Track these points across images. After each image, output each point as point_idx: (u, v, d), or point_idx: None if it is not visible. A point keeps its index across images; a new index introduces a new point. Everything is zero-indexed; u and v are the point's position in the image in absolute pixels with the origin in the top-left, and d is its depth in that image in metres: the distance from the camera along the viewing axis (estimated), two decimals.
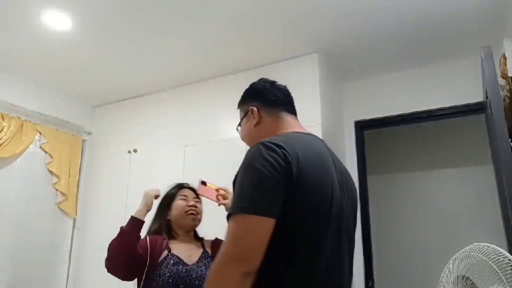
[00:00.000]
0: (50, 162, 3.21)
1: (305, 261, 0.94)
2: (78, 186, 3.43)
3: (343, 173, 1.12)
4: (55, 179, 3.23)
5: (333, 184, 1.02)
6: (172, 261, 1.57)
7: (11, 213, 2.91)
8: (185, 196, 1.75)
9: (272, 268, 0.93)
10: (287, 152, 0.94)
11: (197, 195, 1.76)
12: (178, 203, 1.73)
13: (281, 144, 0.95)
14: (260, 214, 0.89)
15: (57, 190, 3.24)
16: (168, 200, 1.76)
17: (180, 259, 1.60)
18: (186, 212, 1.70)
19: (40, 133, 3.17)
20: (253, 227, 0.89)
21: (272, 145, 0.95)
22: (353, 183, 1.18)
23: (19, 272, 2.91)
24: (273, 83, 1.26)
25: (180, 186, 1.81)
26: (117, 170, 3.34)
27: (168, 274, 1.54)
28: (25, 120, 3.07)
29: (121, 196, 3.22)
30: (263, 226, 0.89)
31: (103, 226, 3.26)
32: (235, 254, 0.88)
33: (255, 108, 1.19)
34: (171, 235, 1.70)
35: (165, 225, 1.72)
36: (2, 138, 2.86)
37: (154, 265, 1.56)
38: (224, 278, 0.88)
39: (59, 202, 3.25)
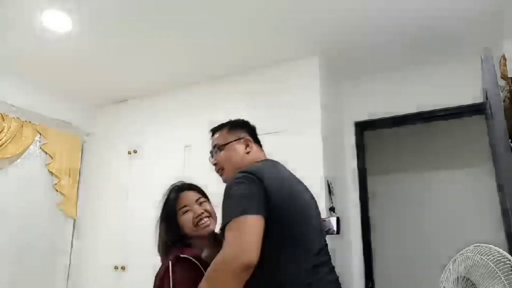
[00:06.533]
0: (50, 163, 3.21)
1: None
2: (78, 187, 3.44)
3: (299, 182, 1.42)
4: (55, 180, 3.24)
5: (299, 189, 1.37)
6: None
7: (11, 214, 2.91)
8: (186, 206, 1.52)
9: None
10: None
11: (202, 193, 1.58)
12: (184, 219, 1.50)
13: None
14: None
15: (57, 191, 3.24)
16: (171, 217, 1.53)
17: None
18: (196, 224, 1.49)
19: (40, 133, 3.17)
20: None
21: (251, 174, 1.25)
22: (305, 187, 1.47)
23: (19, 273, 2.91)
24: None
25: (178, 190, 1.58)
26: (117, 171, 3.34)
27: None
28: (25, 120, 3.06)
29: (121, 197, 3.23)
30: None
31: (103, 227, 3.27)
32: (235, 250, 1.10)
33: (251, 138, 1.50)
34: (197, 246, 1.50)
35: (186, 240, 1.51)
36: (2, 139, 2.86)
37: None
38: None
39: (59, 203, 3.25)
